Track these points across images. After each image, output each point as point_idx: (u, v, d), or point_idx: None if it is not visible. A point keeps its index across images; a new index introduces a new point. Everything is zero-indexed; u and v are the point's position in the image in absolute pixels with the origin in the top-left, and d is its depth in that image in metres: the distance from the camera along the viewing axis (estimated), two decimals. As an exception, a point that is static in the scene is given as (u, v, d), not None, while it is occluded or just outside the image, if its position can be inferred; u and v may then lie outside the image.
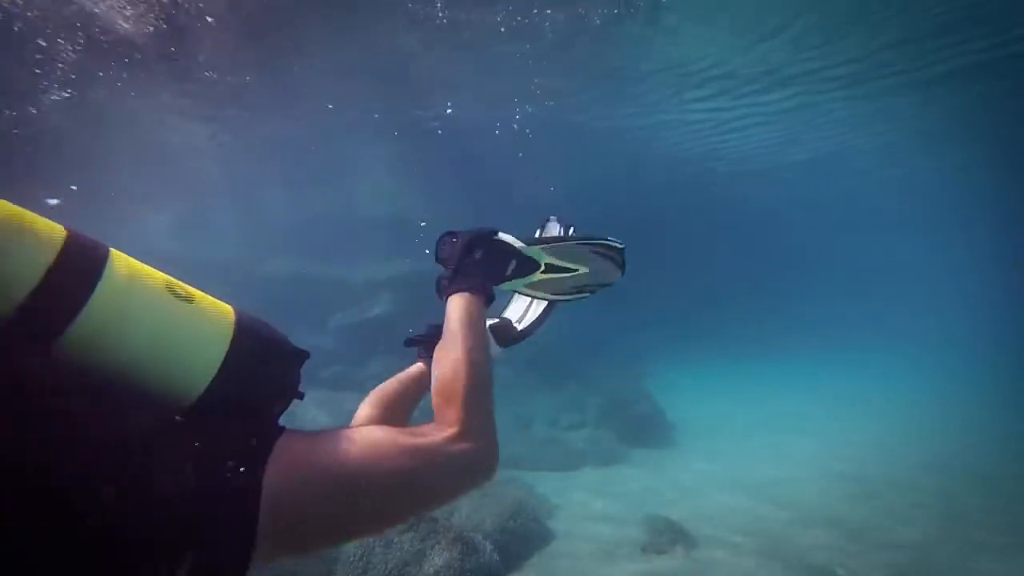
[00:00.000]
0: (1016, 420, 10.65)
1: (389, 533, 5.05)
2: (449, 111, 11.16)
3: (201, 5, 6.71)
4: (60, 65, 7.98)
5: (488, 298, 1.48)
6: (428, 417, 1.28)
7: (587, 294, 1.75)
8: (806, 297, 27.35)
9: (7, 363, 0.85)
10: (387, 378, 1.77)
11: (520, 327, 1.86)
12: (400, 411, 1.68)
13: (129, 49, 7.89)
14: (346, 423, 1.37)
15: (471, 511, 6.24)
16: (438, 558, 4.94)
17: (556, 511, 7.24)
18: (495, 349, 1.71)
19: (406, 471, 1.12)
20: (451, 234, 1.50)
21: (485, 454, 1.25)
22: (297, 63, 8.92)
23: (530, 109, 11.57)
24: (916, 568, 5.30)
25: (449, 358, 1.31)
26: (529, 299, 1.83)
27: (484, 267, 1.49)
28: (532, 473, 8.75)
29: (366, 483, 1.08)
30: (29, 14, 6.55)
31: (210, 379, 0.99)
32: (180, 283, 1.04)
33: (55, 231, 0.92)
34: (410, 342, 1.72)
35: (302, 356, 1.18)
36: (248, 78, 9.35)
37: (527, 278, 1.60)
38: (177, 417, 0.98)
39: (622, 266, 1.69)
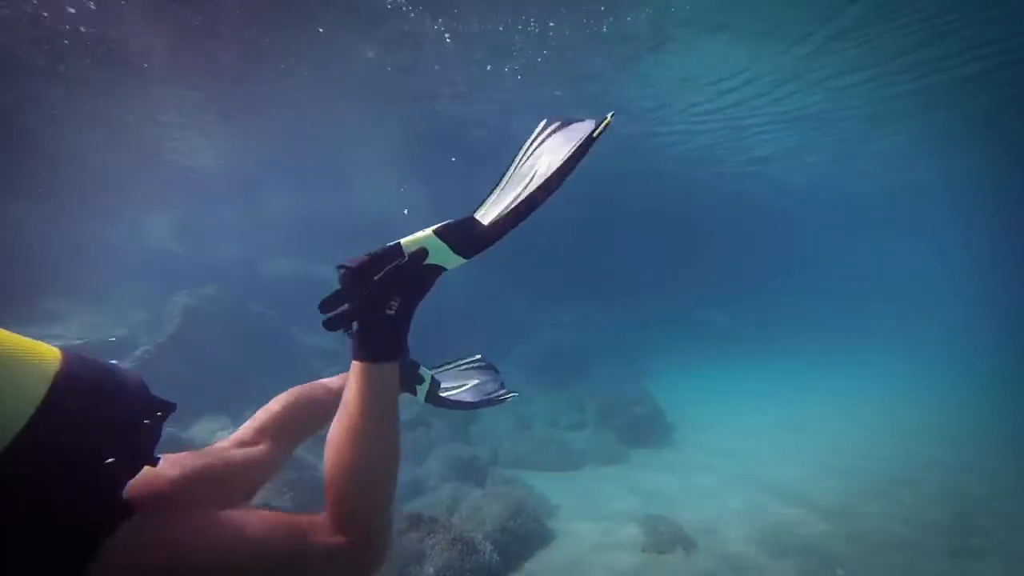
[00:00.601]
0: (1016, 417, 10.64)
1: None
2: (453, 103, 11.16)
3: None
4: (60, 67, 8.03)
5: (401, 360, 1.22)
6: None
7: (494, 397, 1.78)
8: (807, 298, 27.34)
9: None
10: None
11: (445, 395, 1.83)
12: (300, 429, 1.47)
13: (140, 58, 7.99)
14: None
15: (471, 511, 6.25)
16: (438, 558, 4.94)
17: (556, 511, 7.24)
18: (413, 399, 1.70)
19: None
20: (359, 269, 1.15)
21: (373, 560, 1.11)
22: (298, 63, 8.92)
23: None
24: (916, 569, 5.30)
25: (348, 445, 1.09)
26: (462, 381, 1.82)
27: (399, 327, 1.16)
28: (532, 473, 8.77)
29: None
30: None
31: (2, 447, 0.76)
32: None
33: None
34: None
35: (158, 410, 0.96)
36: (248, 78, 9.37)
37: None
38: None
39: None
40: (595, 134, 1.23)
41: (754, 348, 19.46)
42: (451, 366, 1.98)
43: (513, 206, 1.20)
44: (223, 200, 16.25)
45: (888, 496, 7.17)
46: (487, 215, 1.23)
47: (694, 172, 17.59)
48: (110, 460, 0.85)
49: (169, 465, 1.06)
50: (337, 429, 1.12)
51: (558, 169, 1.21)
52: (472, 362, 2.00)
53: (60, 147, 11.59)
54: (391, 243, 1.16)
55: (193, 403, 8.62)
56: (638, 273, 24.12)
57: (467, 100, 10.93)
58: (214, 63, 8.57)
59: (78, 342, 9.16)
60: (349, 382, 1.15)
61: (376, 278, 1.12)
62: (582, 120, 1.33)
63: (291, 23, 7.40)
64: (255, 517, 1.02)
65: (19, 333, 0.88)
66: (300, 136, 13.09)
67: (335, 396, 1.41)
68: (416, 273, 1.15)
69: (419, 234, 1.16)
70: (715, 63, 9.27)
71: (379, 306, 1.13)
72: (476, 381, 1.90)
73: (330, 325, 1.16)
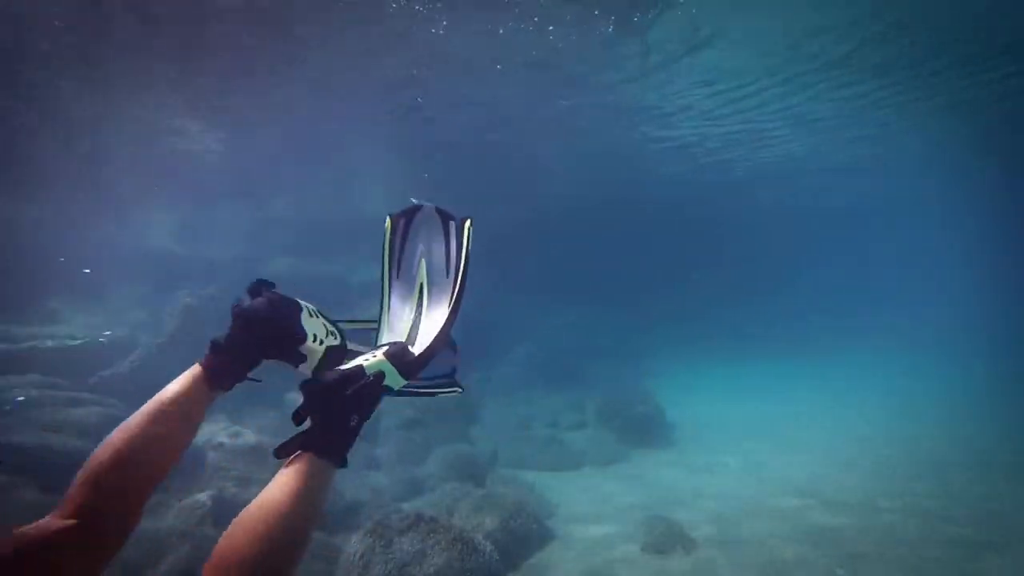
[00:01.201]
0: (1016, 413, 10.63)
1: (389, 533, 5.06)
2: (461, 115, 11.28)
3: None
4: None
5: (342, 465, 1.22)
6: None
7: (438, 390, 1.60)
8: (811, 300, 27.39)
9: None
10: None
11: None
12: (165, 453, 1.21)
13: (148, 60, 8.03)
14: None
15: (471, 511, 6.25)
16: (438, 558, 4.94)
17: (556, 511, 7.24)
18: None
19: None
20: (329, 387, 1.20)
21: None
22: (299, 63, 8.93)
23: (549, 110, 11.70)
24: (917, 571, 5.30)
25: (269, 533, 1.02)
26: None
27: (355, 436, 1.22)
28: (532, 473, 8.77)
29: None
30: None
31: None
32: None
33: None
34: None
35: None
36: (251, 78, 9.38)
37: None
38: None
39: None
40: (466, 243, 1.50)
41: (756, 348, 19.46)
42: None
43: (430, 343, 1.42)
44: (223, 200, 16.25)
45: (889, 494, 7.15)
46: (416, 346, 1.44)
47: (703, 175, 17.66)
48: None
49: None
50: (258, 515, 1.05)
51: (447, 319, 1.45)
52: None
53: (60, 144, 11.60)
54: (353, 365, 1.28)
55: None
56: (641, 274, 24.11)
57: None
58: (219, 62, 8.58)
59: (78, 342, 9.16)
60: (289, 474, 1.13)
61: (348, 393, 1.21)
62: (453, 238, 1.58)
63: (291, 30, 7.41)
64: None
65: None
66: (300, 135, 13.08)
67: (179, 412, 1.23)
68: (376, 393, 1.28)
69: (373, 359, 1.31)
70: (727, 71, 9.39)
71: (345, 418, 1.21)
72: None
73: (297, 420, 1.21)
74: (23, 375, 7.70)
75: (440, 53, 8.22)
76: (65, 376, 8.08)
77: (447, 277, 1.55)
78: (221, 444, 6.85)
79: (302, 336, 1.37)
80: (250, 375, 1.36)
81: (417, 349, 1.41)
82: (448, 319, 1.45)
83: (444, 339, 1.44)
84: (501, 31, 7.60)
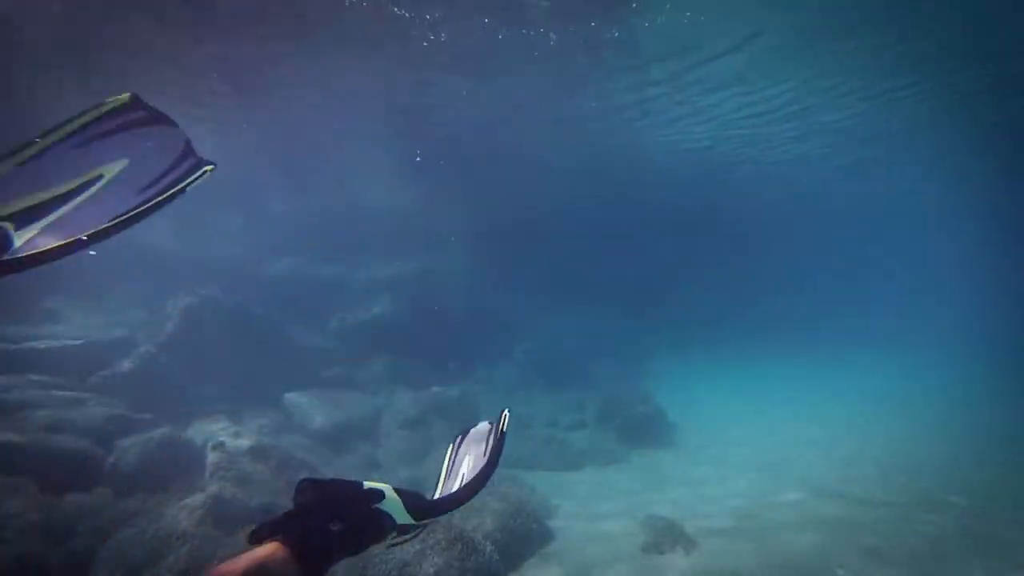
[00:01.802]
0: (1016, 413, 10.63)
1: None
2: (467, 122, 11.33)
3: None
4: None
5: None
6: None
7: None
8: (813, 302, 27.38)
9: None
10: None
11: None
12: None
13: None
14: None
15: (471, 511, 6.24)
16: (438, 558, 4.94)
17: (556, 511, 7.24)
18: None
19: None
20: (322, 484, 1.25)
21: None
22: (300, 64, 8.92)
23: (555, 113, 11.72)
24: (932, 556, 5.30)
25: None
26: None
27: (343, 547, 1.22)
28: (532, 473, 8.76)
29: None
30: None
31: None
32: None
33: None
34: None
35: None
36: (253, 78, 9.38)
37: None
38: None
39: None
40: (502, 429, 1.76)
41: (757, 349, 19.46)
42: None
43: (452, 497, 1.61)
44: (223, 200, 16.23)
45: (889, 494, 7.14)
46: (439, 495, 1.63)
47: (707, 177, 17.67)
48: None
49: None
50: None
51: (483, 471, 1.68)
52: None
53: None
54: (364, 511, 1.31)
55: (192, 403, 8.62)
56: (641, 274, 24.08)
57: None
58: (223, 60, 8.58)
59: (78, 342, 9.14)
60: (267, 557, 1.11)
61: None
62: (476, 425, 1.92)
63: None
64: None
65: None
66: (300, 134, 13.08)
67: None
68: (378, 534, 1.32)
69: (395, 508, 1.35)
70: (731, 76, 9.43)
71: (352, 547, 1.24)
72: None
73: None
74: (22, 375, 7.69)
75: (443, 56, 8.22)
76: (65, 376, 8.07)
77: (484, 453, 1.79)
78: (221, 444, 6.85)
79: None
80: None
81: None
82: (476, 483, 1.64)
83: (469, 496, 1.61)
84: (500, 36, 7.60)
